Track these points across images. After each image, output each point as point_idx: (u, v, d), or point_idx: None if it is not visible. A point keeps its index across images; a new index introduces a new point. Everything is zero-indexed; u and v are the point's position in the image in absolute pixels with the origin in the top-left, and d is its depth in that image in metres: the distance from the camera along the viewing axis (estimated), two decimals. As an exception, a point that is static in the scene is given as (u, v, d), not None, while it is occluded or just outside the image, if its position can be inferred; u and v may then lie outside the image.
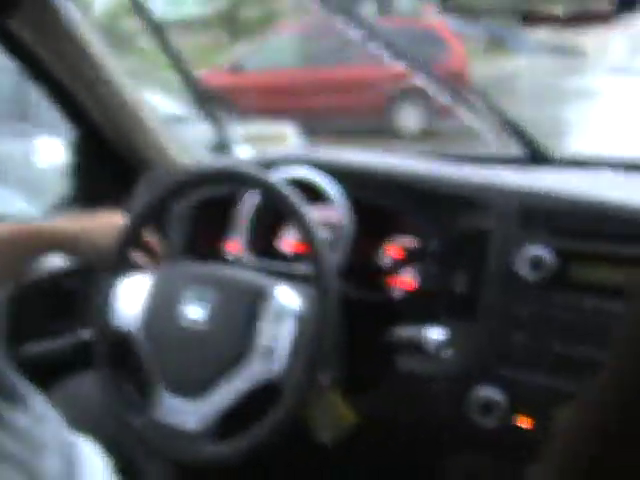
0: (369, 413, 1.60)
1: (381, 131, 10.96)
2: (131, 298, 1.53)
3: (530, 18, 1.23)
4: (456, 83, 1.82)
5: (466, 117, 1.82)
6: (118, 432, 1.53)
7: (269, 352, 1.40)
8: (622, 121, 10.05)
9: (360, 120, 10.84)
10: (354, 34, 1.73)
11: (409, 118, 12.04)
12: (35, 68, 1.86)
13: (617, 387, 0.40)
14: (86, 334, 1.91)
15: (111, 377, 1.52)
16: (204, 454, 1.41)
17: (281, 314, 1.42)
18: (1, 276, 1.45)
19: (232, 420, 1.42)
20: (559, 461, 0.47)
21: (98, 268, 1.59)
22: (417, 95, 11.58)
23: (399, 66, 1.75)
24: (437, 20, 12.66)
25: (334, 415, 1.56)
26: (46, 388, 1.37)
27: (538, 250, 1.47)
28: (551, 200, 1.53)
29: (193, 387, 1.44)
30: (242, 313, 1.44)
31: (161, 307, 1.51)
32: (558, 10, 1.32)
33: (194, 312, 1.46)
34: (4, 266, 1.43)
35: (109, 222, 1.56)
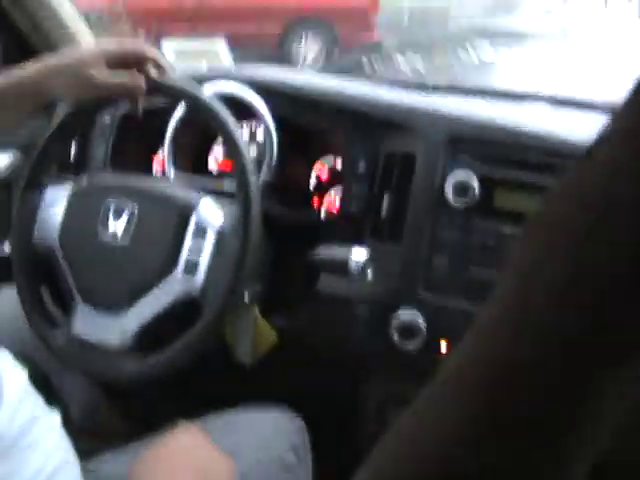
0: (290, 332, 1.61)
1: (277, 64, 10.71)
2: (51, 211, 1.51)
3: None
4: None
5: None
6: (35, 347, 1.51)
7: (191, 267, 1.40)
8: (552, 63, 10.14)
9: (254, 51, 10.00)
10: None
11: (308, 50, 11.33)
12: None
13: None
14: (5, 248, 1.88)
15: (30, 292, 1.50)
16: (124, 370, 1.41)
17: (204, 228, 1.41)
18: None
19: (153, 336, 1.42)
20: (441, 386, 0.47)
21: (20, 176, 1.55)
22: (318, 24, 11.19)
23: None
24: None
25: (255, 333, 1.56)
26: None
27: (464, 176, 1.47)
28: (478, 128, 1.53)
29: (114, 302, 1.43)
30: (165, 226, 1.43)
31: (80, 220, 1.49)
32: None
33: (114, 225, 1.44)
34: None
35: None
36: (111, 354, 1.42)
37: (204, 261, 1.40)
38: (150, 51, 1.43)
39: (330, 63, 10.78)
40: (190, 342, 1.37)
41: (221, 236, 1.40)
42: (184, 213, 1.43)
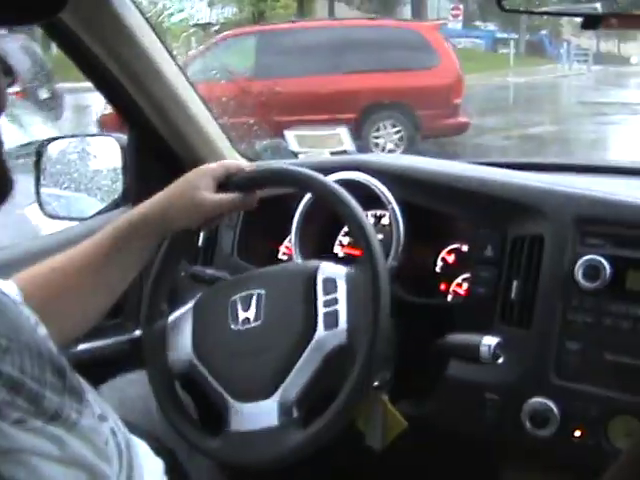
0: (420, 419, 1.59)
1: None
2: (179, 332, 1.51)
3: (591, 20, 1.23)
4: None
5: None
6: (165, 433, 1.52)
7: (331, 319, 1.37)
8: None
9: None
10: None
11: (387, 136, 11.08)
12: (89, 65, 1.87)
13: None
14: (137, 332, 1.92)
15: (178, 414, 1.50)
16: (286, 446, 1.35)
17: (333, 280, 1.40)
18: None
19: (315, 401, 1.39)
20: None
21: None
22: (396, 107, 10.92)
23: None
24: (428, 26, 11.87)
25: (385, 419, 1.55)
26: (96, 387, 1.38)
27: (594, 258, 1.45)
28: (607, 207, 1.51)
29: (263, 387, 1.39)
30: (294, 294, 1.41)
31: (210, 325, 1.48)
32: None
33: (244, 312, 1.45)
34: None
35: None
36: (272, 434, 1.37)
37: (342, 307, 1.37)
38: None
39: (412, 148, 10.58)
40: (348, 395, 1.32)
41: (352, 281, 1.39)
42: (309, 275, 1.42)
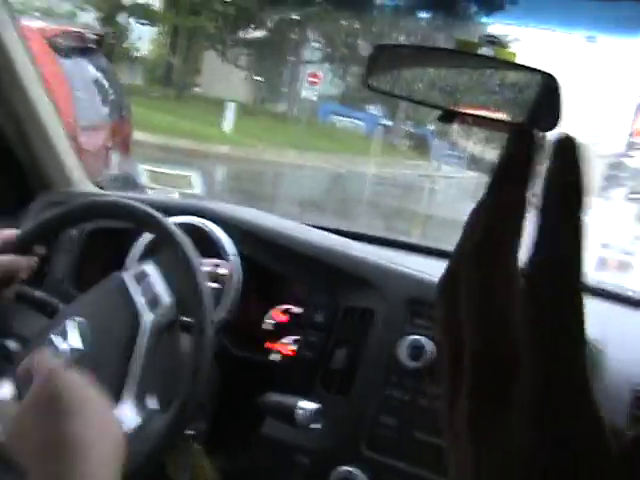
0: (231, 474, 1.59)
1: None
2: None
3: (449, 115, 1.27)
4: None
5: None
6: None
7: (152, 297, 1.43)
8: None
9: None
10: None
11: None
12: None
13: None
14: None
15: None
16: (157, 434, 1.34)
17: (143, 271, 1.46)
18: None
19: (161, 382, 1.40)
20: None
21: None
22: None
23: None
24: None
25: (195, 469, 1.54)
26: None
27: (419, 339, 1.49)
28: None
29: (112, 391, 1.36)
30: (111, 304, 1.43)
31: None
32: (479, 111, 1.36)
33: (65, 343, 1.42)
34: None
35: None
36: (141, 430, 1.36)
37: (160, 285, 1.45)
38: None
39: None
40: (137, 464, 1.32)
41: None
42: (118, 281, 1.47)
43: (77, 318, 1.44)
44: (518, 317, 0.36)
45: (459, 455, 0.40)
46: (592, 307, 1.27)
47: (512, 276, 0.38)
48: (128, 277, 1.48)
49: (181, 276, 1.44)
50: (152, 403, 1.39)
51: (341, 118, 27.52)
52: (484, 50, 1.22)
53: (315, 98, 21.99)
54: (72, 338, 1.42)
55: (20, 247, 1.52)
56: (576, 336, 0.36)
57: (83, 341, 1.41)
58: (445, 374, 0.40)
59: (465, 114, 1.31)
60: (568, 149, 0.37)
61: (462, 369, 0.38)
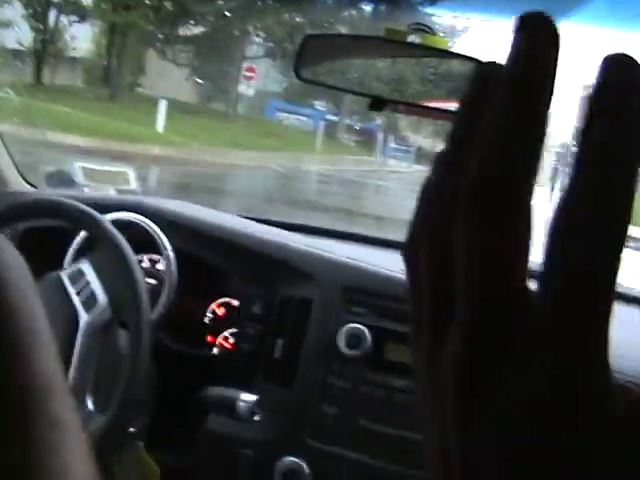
0: (175, 470, 1.58)
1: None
2: None
3: (378, 103, 1.28)
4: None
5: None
6: None
7: (89, 298, 1.43)
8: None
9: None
10: None
11: None
12: None
13: None
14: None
15: None
16: (95, 434, 1.35)
17: (79, 269, 1.47)
18: None
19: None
20: None
21: None
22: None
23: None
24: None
25: (139, 466, 1.53)
26: None
27: (357, 327, 1.49)
28: (372, 279, 1.56)
29: None
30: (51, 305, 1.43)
31: None
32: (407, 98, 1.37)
33: None
34: None
35: None
36: None
37: (96, 284, 1.44)
38: None
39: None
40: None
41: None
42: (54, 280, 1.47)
43: None
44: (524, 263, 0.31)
45: (439, 413, 0.37)
46: None
47: (524, 215, 0.31)
48: (65, 276, 1.47)
49: (117, 274, 1.43)
50: (89, 404, 1.39)
51: (287, 115, 27.18)
52: (412, 38, 1.23)
53: (252, 93, 21.20)
54: None
55: None
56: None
57: None
58: (424, 327, 0.36)
59: (395, 102, 1.32)
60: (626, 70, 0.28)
61: (445, 321, 0.35)
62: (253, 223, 1.85)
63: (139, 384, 1.36)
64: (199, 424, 1.58)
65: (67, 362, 1.40)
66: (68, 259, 1.75)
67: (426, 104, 1.28)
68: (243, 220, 1.86)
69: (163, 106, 15.92)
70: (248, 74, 20.62)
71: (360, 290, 1.54)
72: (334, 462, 1.49)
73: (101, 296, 1.44)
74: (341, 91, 1.04)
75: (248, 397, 1.48)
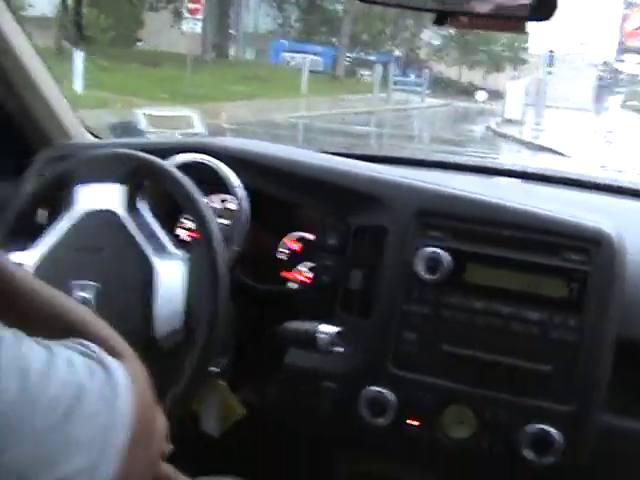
0: (258, 406, 1.58)
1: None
2: None
3: (445, 16, 1.23)
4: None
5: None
6: None
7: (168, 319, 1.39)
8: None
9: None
10: None
11: None
12: None
13: None
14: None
15: None
16: None
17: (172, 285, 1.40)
18: None
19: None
20: None
21: None
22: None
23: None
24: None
25: (222, 405, 1.53)
26: None
27: (434, 250, 1.47)
28: (448, 201, 1.53)
29: None
30: (132, 285, 1.42)
31: None
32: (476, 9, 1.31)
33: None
34: None
35: None
36: None
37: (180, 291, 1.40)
38: None
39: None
40: (188, 382, 1.34)
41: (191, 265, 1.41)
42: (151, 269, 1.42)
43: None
44: None
45: None
46: (609, 204, 1.25)
47: None
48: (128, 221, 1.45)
49: (189, 217, 1.42)
50: None
51: (294, 55, 25.84)
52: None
53: (198, 30, 19.13)
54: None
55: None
56: None
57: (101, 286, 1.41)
58: None
59: (460, 13, 1.27)
60: None
61: None
62: (320, 154, 1.82)
63: (219, 327, 1.35)
64: (279, 360, 1.58)
65: (147, 305, 1.39)
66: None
67: (492, 13, 1.23)
68: (306, 152, 1.83)
69: (80, 60, 13.69)
70: (192, 6, 18.04)
71: (435, 213, 1.51)
72: (418, 389, 1.48)
73: (180, 303, 1.41)
74: (403, 8, 1.01)
75: (328, 328, 1.46)
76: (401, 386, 1.48)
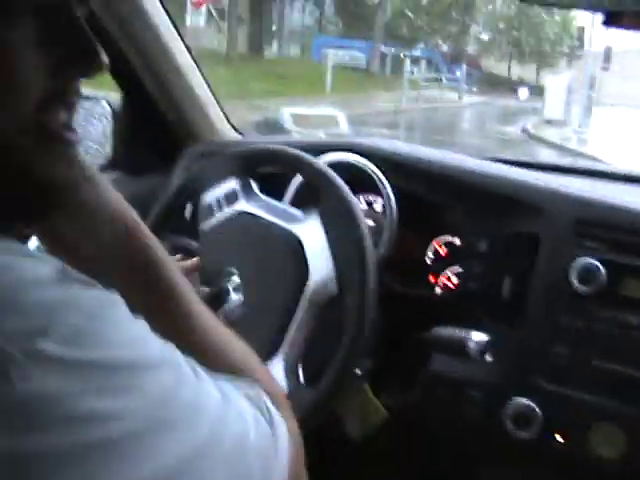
0: (399, 411, 1.56)
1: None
2: None
3: (615, 17, 1.18)
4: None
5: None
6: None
7: (324, 281, 1.37)
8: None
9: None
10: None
11: None
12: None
13: None
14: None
15: None
16: (303, 408, 1.27)
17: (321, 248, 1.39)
18: None
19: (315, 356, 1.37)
20: None
21: None
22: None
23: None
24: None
25: (365, 408, 1.52)
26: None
27: (590, 261, 1.42)
28: (606, 211, 1.49)
29: (264, 346, 1.32)
30: (281, 302, 1.40)
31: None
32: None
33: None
34: None
35: None
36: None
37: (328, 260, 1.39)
38: None
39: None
40: (349, 349, 1.32)
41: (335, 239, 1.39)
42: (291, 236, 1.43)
43: (239, 270, 1.44)
44: None
45: None
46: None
47: None
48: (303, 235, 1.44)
49: (341, 226, 1.40)
50: (301, 377, 1.37)
51: (335, 51, 24.13)
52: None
53: (203, 24, 18.37)
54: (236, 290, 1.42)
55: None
56: None
57: (247, 294, 1.41)
58: None
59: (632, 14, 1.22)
60: None
61: None
62: (468, 158, 1.79)
63: (367, 326, 1.33)
64: (424, 366, 1.56)
65: (287, 326, 1.38)
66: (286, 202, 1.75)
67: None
68: (459, 156, 1.80)
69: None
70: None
71: (593, 223, 1.47)
72: (566, 404, 1.44)
73: (330, 268, 1.40)
74: (570, 8, 0.97)
75: (480, 337, 1.44)
76: (548, 400, 1.44)
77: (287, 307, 1.38)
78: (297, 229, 1.42)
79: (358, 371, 1.48)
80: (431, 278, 1.69)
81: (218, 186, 1.53)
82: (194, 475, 0.60)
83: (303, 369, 1.37)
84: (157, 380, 0.60)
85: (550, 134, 16.02)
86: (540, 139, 16.29)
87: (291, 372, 1.36)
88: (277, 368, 1.34)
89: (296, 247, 1.40)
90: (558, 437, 1.44)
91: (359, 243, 1.35)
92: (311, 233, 1.41)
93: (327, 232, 1.40)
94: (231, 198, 1.51)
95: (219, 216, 1.52)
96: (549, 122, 17.99)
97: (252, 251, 1.47)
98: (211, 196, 1.53)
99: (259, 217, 1.48)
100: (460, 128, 20.30)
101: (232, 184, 1.52)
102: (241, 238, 1.50)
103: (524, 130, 17.96)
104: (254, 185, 1.53)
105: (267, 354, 1.34)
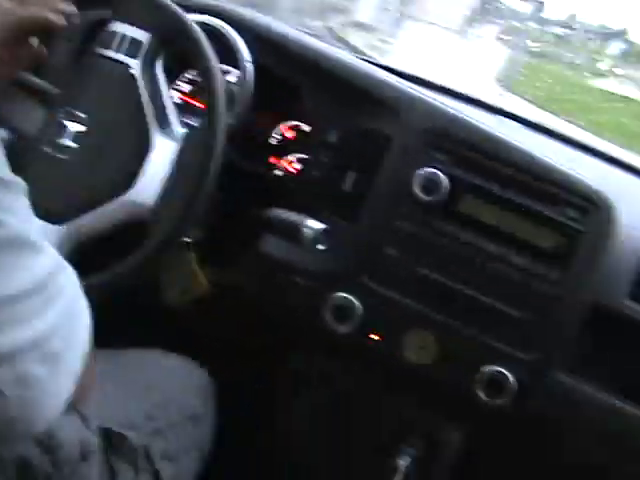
0: (222, 286, 1.55)
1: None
2: None
3: None
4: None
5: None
6: None
7: (148, 186, 1.32)
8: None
9: None
10: None
11: None
12: None
13: None
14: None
15: None
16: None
17: (166, 149, 1.34)
18: None
19: (97, 254, 1.32)
20: None
21: None
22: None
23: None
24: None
25: (188, 278, 1.49)
26: None
27: (435, 172, 1.44)
28: (460, 126, 1.50)
29: (61, 210, 1.31)
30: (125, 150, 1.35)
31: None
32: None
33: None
34: None
35: None
36: None
37: (160, 182, 1.33)
38: None
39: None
40: (136, 263, 1.28)
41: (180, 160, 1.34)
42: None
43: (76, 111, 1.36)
44: None
45: None
46: (606, 172, 1.22)
47: None
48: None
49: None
50: None
51: None
52: None
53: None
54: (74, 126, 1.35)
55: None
56: None
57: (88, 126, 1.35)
58: None
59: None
60: None
61: None
62: (346, 53, 1.75)
63: (203, 195, 1.30)
64: (255, 245, 1.55)
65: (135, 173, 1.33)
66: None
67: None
68: (335, 49, 1.75)
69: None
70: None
71: (444, 135, 1.48)
72: (386, 305, 1.47)
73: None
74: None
75: (315, 224, 1.43)
76: (370, 298, 1.47)
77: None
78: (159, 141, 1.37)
79: (187, 239, 1.45)
80: (272, 159, 1.66)
81: (132, 27, 1.42)
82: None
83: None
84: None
85: (356, 38, 15.84)
86: (344, 41, 16.12)
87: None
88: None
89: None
90: (374, 336, 1.47)
91: (212, 85, 1.33)
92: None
93: None
94: (132, 50, 1.41)
95: (111, 54, 1.42)
96: (359, 25, 17.57)
97: (105, 105, 1.39)
98: (122, 29, 1.42)
99: (138, 87, 1.39)
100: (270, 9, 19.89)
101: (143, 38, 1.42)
102: (106, 89, 1.41)
103: (329, 28, 17.63)
104: (159, 64, 1.43)
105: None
